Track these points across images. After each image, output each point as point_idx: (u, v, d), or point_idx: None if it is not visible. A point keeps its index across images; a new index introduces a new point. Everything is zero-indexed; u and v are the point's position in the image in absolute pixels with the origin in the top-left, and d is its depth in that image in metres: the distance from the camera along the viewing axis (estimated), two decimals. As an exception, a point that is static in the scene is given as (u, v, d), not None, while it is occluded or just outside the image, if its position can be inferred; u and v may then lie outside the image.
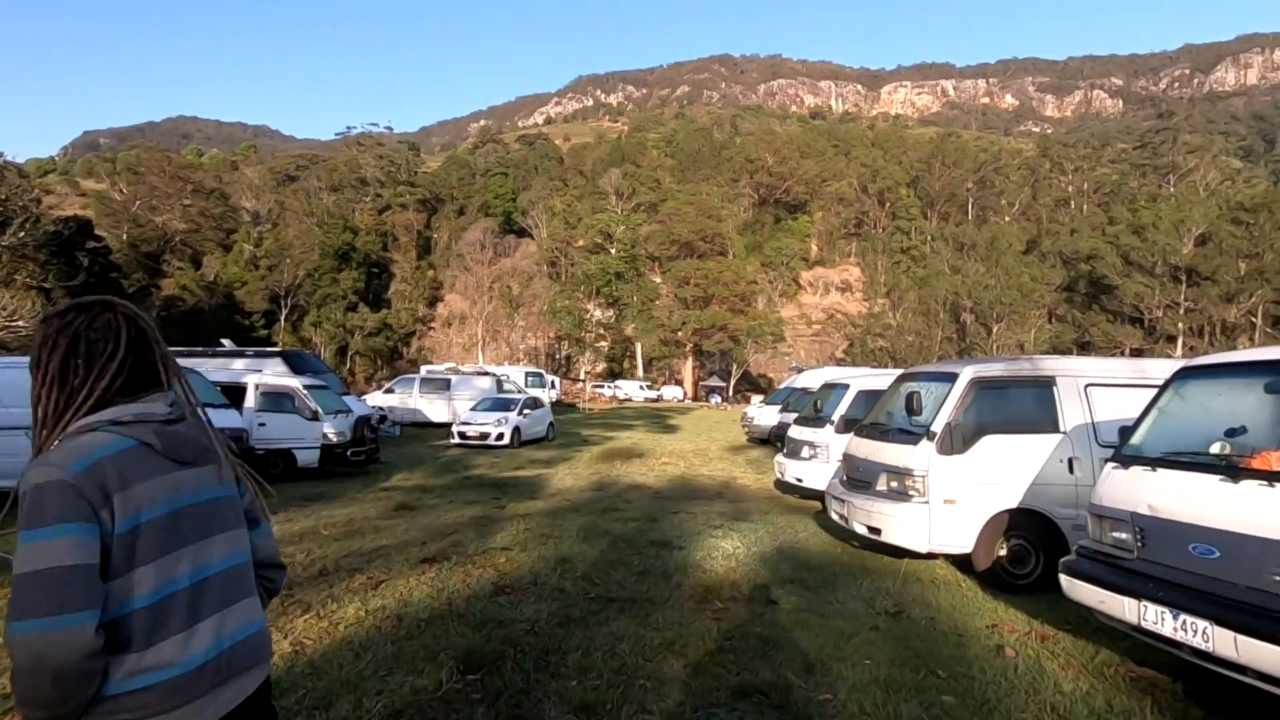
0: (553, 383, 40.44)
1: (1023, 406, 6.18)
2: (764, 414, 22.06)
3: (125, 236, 63.07)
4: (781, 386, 25.71)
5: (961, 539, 5.85)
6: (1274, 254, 57.57)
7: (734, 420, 36.46)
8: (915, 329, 65.58)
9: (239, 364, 18.03)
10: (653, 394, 58.49)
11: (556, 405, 33.83)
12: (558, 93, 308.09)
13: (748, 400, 62.06)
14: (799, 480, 10.29)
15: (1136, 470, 3.99)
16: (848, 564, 6.76)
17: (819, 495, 10.31)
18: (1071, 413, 5.97)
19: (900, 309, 71.25)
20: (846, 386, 10.43)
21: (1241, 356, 3.95)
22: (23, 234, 25.04)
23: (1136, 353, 59.55)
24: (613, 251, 74.82)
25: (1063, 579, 4.18)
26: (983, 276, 65.69)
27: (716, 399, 59.38)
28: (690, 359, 66.80)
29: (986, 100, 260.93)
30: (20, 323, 22.13)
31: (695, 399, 62.10)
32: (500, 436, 18.60)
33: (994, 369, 6.29)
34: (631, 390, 57.76)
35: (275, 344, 59.39)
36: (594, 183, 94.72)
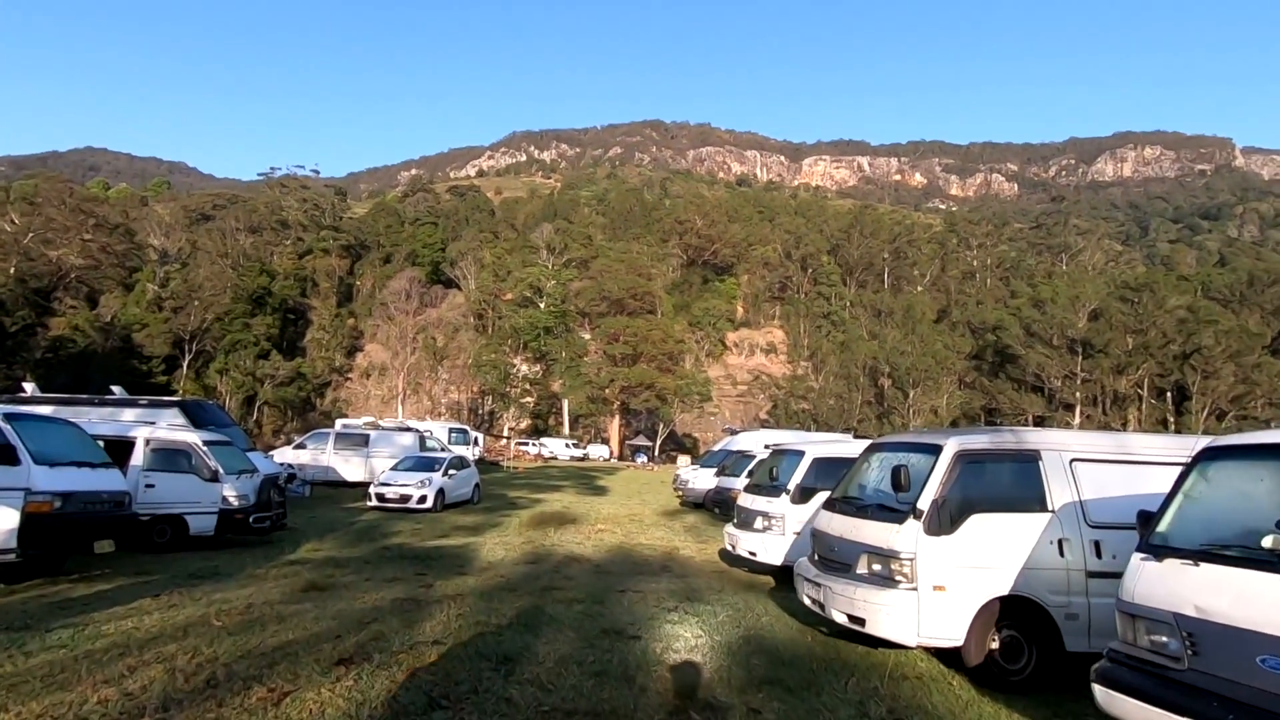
0: (476, 439, 38.84)
1: (1009, 482, 5.84)
2: (698, 477, 21.56)
3: (13, 270, 57.89)
4: (715, 448, 25.32)
5: (953, 630, 5.34)
6: (1157, 330, 62.49)
7: (664, 481, 35.80)
8: (836, 392, 67.28)
9: (129, 414, 16.18)
10: (579, 452, 57.25)
11: (480, 463, 32.33)
12: (491, 146, 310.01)
13: (674, 460, 61.68)
14: (752, 554, 9.68)
15: (1174, 564, 3.59)
16: (823, 657, 6.14)
17: (773, 570, 9.80)
18: (1059, 490, 5.65)
19: (822, 372, 73.12)
20: (801, 454, 10.01)
21: (1274, 437, 3.65)
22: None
23: (1039, 420, 62.88)
24: (542, 306, 74.14)
25: (1098, 691, 3.69)
26: (899, 343, 68.48)
27: (643, 458, 58.61)
28: (617, 417, 66.11)
29: (898, 177, 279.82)
30: None
31: (621, 458, 61.17)
32: (422, 499, 17.28)
33: (979, 441, 5.94)
34: (557, 449, 56.34)
35: (175, 392, 55.22)
36: (525, 236, 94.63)
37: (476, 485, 20.59)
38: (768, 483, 10.15)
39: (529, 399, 72.66)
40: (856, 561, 5.93)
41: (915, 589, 5.41)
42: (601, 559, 11.53)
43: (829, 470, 9.83)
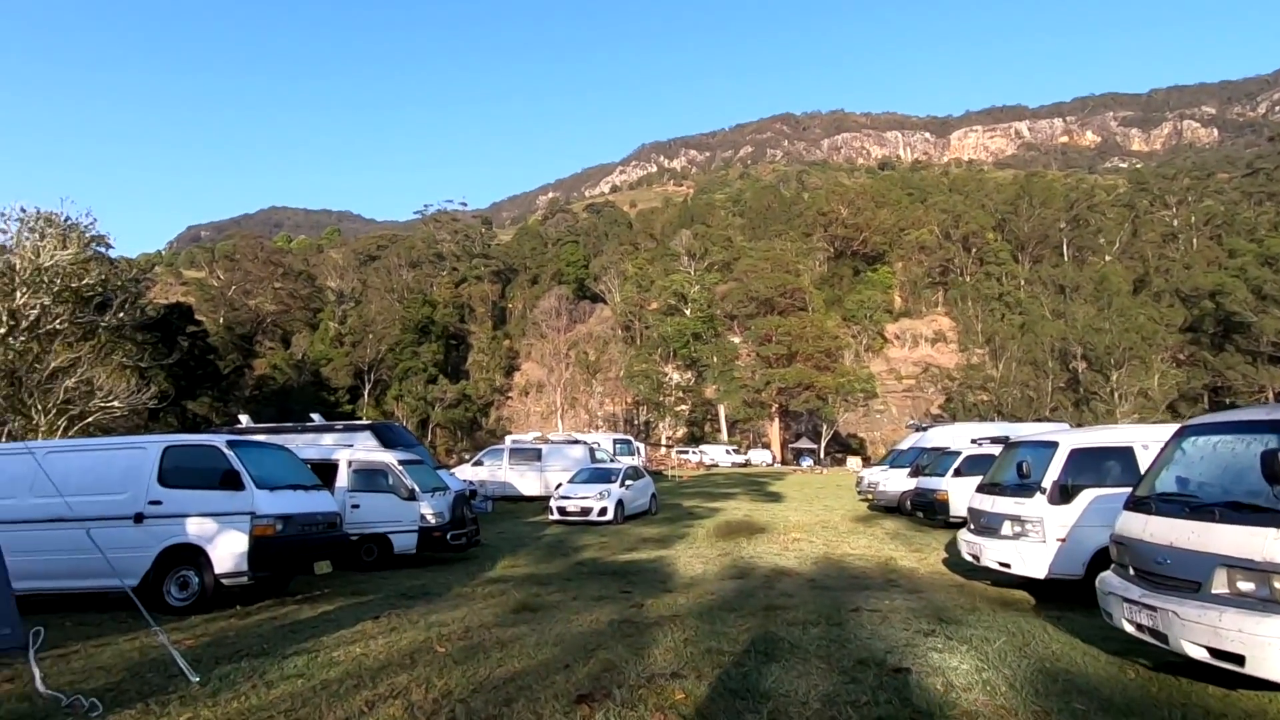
0: (639, 450, 38.80)
1: None
2: (890, 478, 19.77)
3: (222, 320, 66.41)
4: (902, 446, 23.26)
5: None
6: None
7: (839, 485, 33.85)
8: (1021, 379, 60.87)
9: (329, 439, 17.28)
10: (740, 458, 55.92)
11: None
12: (621, 161, 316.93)
13: (841, 462, 58.73)
14: (1004, 565, 8.19)
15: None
16: (1169, 701, 4.72)
17: (1031, 584, 8.25)
18: None
19: (1002, 359, 66.60)
20: (1051, 445, 8.38)
21: None
22: (122, 314, 25.69)
23: (1282, 395, 53.53)
24: (688, 312, 73.74)
25: None
26: (1093, 320, 60.74)
27: (808, 462, 56.25)
28: (776, 420, 64.07)
29: (1065, 139, 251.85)
30: (116, 403, 22.30)
31: (784, 463, 59.12)
32: (603, 511, 17.01)
33: None
34: (717, 455, 55.35)
35: (360, 418, 60.34)
36: (664, 245, 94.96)
37: (653, 495, 20.14)
38: (1013, 480, 8.58)
39: (683, 407, 72.47)
40: (1209, 578, 4.46)
41: (1330, 617, 3.90)
42: (812, 572, 10.44)
43: (1089, 463, 8.22)
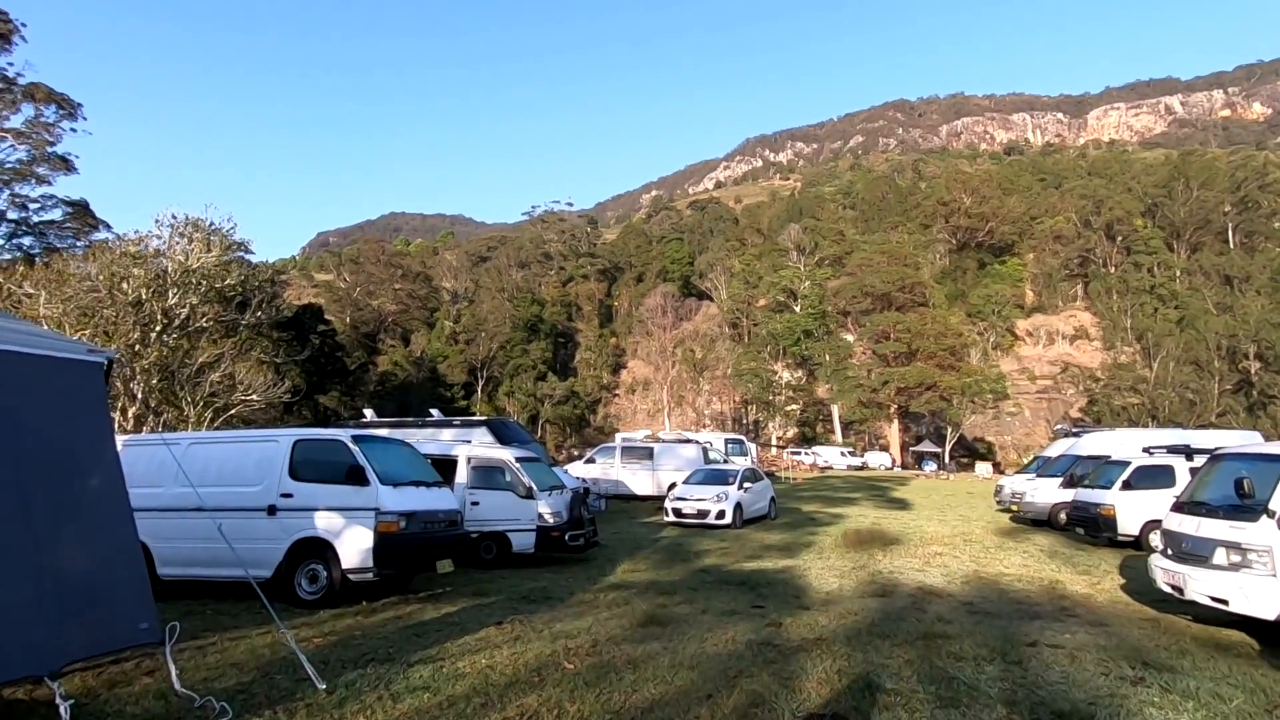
0: (751, 450, 37.71)
1: None
2: (1039, 489, 17.86)
3: (348, 319, 70.74)
4: (1050, 453, 21.11)
5: None
6: None
7: (970, 492, 31.48)
8: (1180, 380, 54.57)
9: (447, 434, 17.54)
10: (856, 461, 53.45)
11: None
12: (725, 157, 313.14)
13: (969, 468, 54.95)
14: (1220, 601, 6.81)
15: None
16: None
17: (1257, 624, 6.83)
18: None
19: (1157, 358, 60.04)
20: (1274, 458, 6.91)
21: None
22: (260, 313, 27.41)
23: None
24: (798, 309, 71.47)
25: None
26: (1270, 314, 53.52)
27: (932, 466, 52.96)
28: (895, 421, 60.84)
29: (1227, 112, 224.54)
30: (254, 396, 23.82)
31: (905, 467, 56.02)
32: (721, 515, 16.30)
33: None
34: (832, 457, 53.17)
35: (474, 414, 62.48)
36: (772, 240, 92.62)
37: (772, 499, 19.21)
38: (1227, 500, 7.16)
39: (794, 406, 70.44)
40: None
41: None
42: (965, 593, 9.31)
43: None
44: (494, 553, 11.55)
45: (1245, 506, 6.84)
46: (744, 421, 74.87)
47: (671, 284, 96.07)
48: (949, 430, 58.72)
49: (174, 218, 23.82)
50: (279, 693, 4.93)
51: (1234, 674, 5.66)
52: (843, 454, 54.08)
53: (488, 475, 12.04)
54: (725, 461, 25.84)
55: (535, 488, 11.78)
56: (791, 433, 70.16)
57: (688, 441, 25.62)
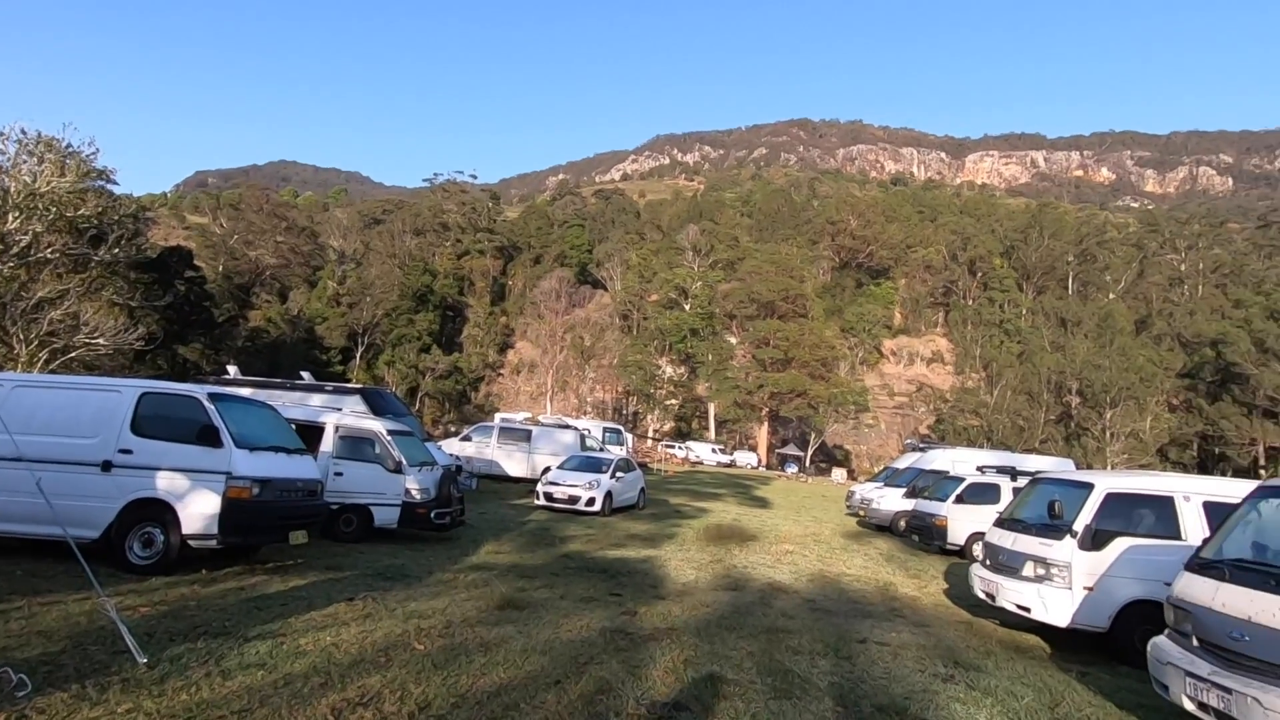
0: (627, 440, 38.25)
1: None
2: (886, 498, 19.30)
3: (221, 268, 65.30)
4: (899, 465, 22.79)
5: None
6: None
7: (824, 495, 33.48)
8: (1014, 408, 60.58)
9: (317, 400, 16.61)
10: (725, 458, 55.47)
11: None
12: (635, 150, 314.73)
13: (826, 472, 58.41)
14: (1023, 609, 7.69)
15: None
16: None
17: (1049, 630, 7.76)
18: None
19: (997, 386, 66.30)
20: (1086, 486, 7.88)
21: None
22: (117, 250, 24.77)
23: (1275, 450, 53.43)
24: (688, 308, 73.15)
25: None
26: (1093, 355, 60.46)
27: (794, 469, 55.88)
28: (765, 424, 63.62)
29: (1080, 173, 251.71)
30: (101, 341, 21.52)
31: (769, 467, 58.75)
32: (591, 501, 16.46)
33: None
34: (703, 453, 54.90)
35: (350, 381, 59.56)
36: (670, 238, 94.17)
37: (642, 490, 19.62)
38: (1040, 519, 8.08)
39: (673, 401, 71.97)
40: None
41: None
42: (809, 591, 9.94)
43: (1124, 510, 7.75)
44: (354, 526, 11.10)
45: (1054, 526, 7.74)
46: (624, 412, 75.79)
47: (569, 269, 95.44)
48: (813, 436, 62.16)
49: (23, 133, 21.01)
50: (91, 665, 4.54)
51: (1028, 674, 6.40)
52: (714, 450, 55.99)
53: (356, 446, 11.55)
54: (602, 450, 26.09)
55: (405, 462, 11.43)
56: (669, 426, 71.77)
57: (566, 427, 25.62)
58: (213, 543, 7.60)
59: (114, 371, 23.03)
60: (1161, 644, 5.10)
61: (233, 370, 19.32)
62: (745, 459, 57.58)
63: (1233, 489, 7.25)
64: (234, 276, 66.10)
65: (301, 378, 19.16)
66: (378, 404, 17.26)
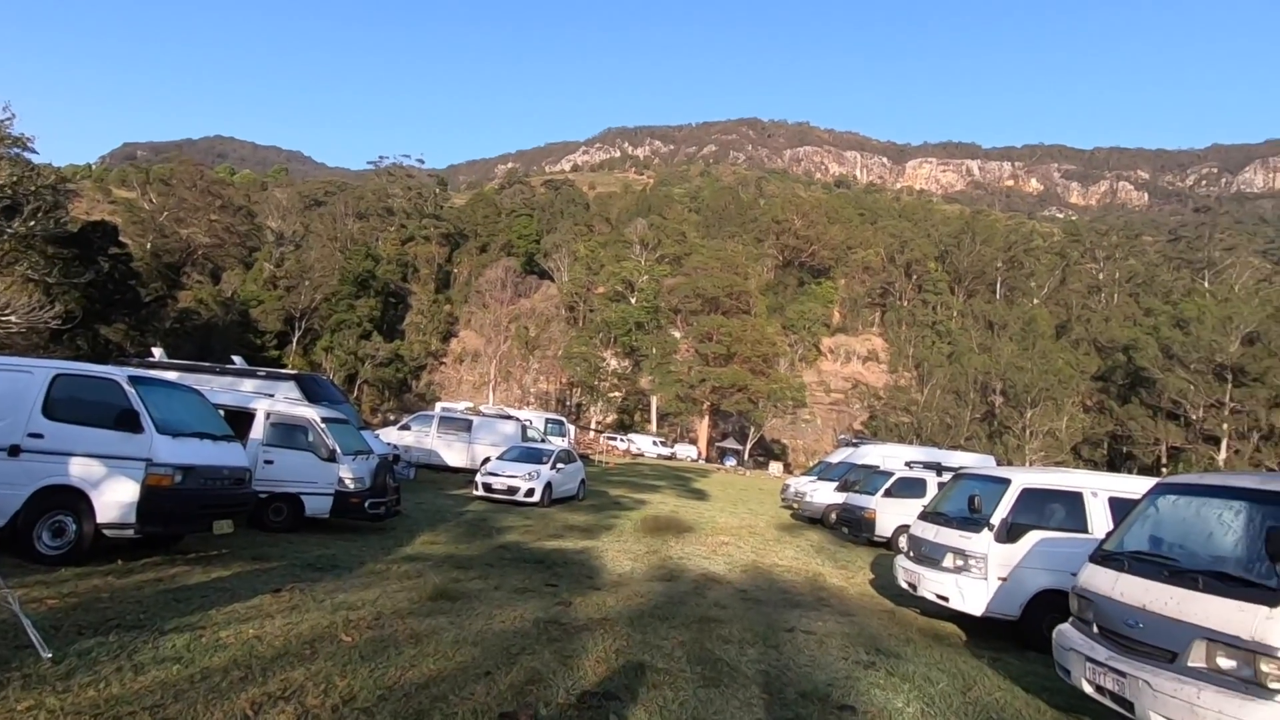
0: (570, 432, 38.20)
1: None
2: (818, 490, 19.83)
3: (149, 245, 61.94)
4: (833, 459, 23.44)
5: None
6: (1326, 360, 55.38)
7: (761, 488, 34.13)
8: (943, 407, 63.05)
9: (248, 385, 16.05)
10: (666, 451, 55.98)
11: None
12: (586, 142, 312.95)
13: (764, 466, 59.56)
14: (942, 598, 8.07)
15: None
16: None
17: (965, 619, 8.16)
18: None
19: (928, 385, 68.85)
20: (1003, 481, 8.30)
21: None
22: (33, 223, 23.23)
23: (1175, 452, 57.02)
24: (634, 301, 73.40)
25: None
26: (1016, 358, 63.40)
27: (732, 462, 56.80)
28: (706, 418, 64.40)
29: (1011, 183, 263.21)
30: (12, 318, 20.16)
31: (709, 460, 59.54)
32: (530, 493, 16.40)
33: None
34: (644, 445, 55.31)
35: (286, 366, 57.60)
36: (619, 231, 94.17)
37: (582, 481, 19.65)
38: (960, 513, 8.48)
39: (616, 394, 72.11)
40: (1187, 649, 4.30)
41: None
42: (742, 581, 10.17)
43: (1037, 504, 8.18)
44: (284, 516, 10.79)
45: (973, 519, 8.13)
46: (567, 403, 75.57)
47: (515, 259, 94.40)
48: (752, 430, 63.29)
49: (-70, 95, 19.39)
50: (-8, 660, 4.32)
51: (944, 661, 6.72)
52: (655, 443, 56.48)
53: (287, 433, 11.20)
54: (543, 441, 25.97)
55: (339, 450, 11.16)
56: (611, 418, 71.91)
57: (508, 417, 25.41)
58: (130, 532, 7.29)
59: (27, 351, 21.68)
60: (1065, 631, 5.44)
61: (158, 353, 18.51)
62: (686, 452, 58.23)
63: (1135, 486, 7.74)
64: (163, 255, 62.83)
65: (233, 362, 18.47)
66: (313, 390, 16.77)
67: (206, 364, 19.31)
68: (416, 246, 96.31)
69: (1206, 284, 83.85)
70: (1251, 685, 3.95)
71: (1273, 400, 54.81)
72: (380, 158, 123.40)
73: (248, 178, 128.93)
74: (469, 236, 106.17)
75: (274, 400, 12.24)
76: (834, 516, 17.77)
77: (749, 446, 63.10)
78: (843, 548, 14.94)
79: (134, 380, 7.89)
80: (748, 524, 17.55)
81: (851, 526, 16.05)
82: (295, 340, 71.49)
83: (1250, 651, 3.99)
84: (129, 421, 7.41)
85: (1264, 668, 3.91)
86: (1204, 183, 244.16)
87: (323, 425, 11.31)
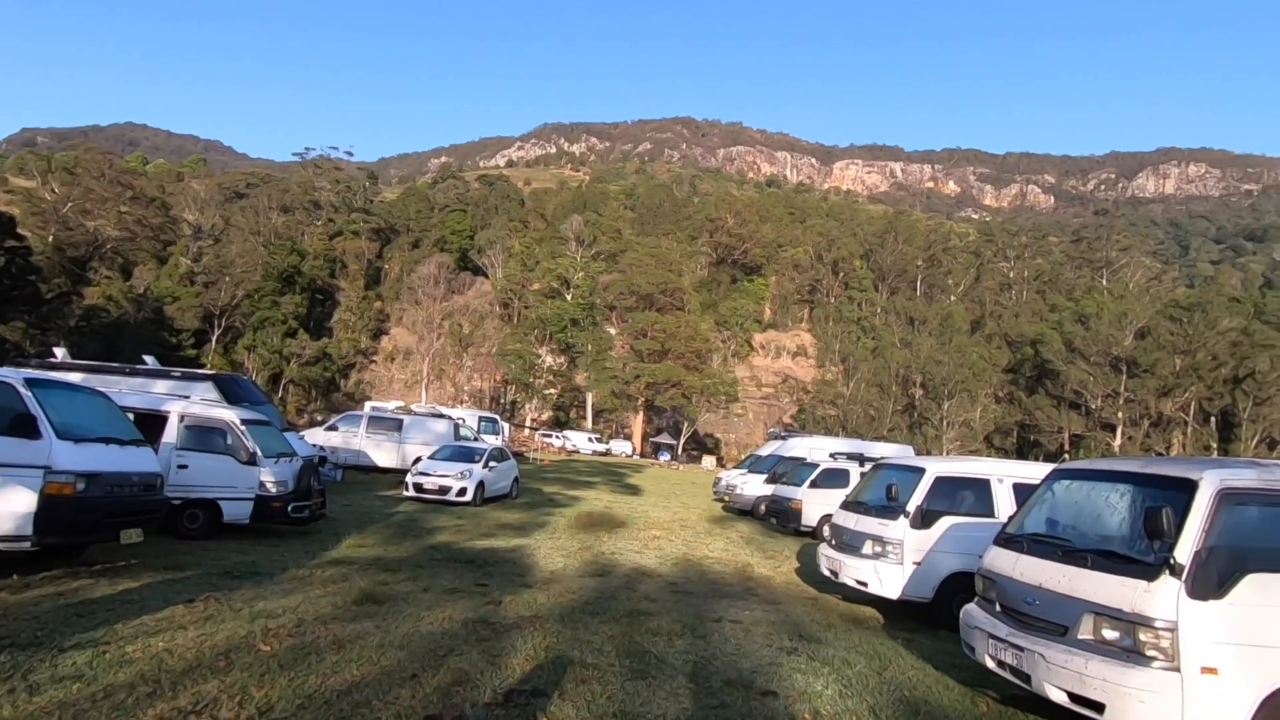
0: (504, 429, 37.81)
1: None
2: (747, 483, 20.27)
3: (51, 238, 57.89)
4: (762, 452, 23.98)
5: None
6: (1207, 352, 60.13)
7: (694, 482, 34.60)
8: (867, 400, 65.49)
9: (161, 386, 15.27)
10: (601, 447, 56.15)
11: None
12: (521, 137, 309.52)
13: (697, 460, 60.39)
14: (861, 584, 8.41)
15: None
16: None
17: (883, 602, 8.54)
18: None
19: (853, 379, 71.35)
20: (918, 470, 8.72)
21: None
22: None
23: (1077, 437, 60.82)
24: (569, 298, 73.14)
25: None
26: (934, 352, 66.48)
27: (666, 456, 57.40)
28: (641, 413, 64.85)
29: (931, 184, 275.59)
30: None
31: (643, 455, 60.00)
32: (462, 492, 16.19)
33: (1245, 478, 4.63)
34: (580, 442, 55.30)
35: (204, 366, 54.90)
36: (554, 227, 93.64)
37: (516, 479, 19.51)
38: (879, 502, 8.85)
39: (552, 390, 71.78)
40: (1077, 623, 4.64)
41: (1177, 670, 4.13)
42: (672, 574, 10.34)
43: (949, 491, 8.62)
44: (200, 522, 10.33)
45: (891, 507, 8.49)
46: (502, 401, 74.74)
47: (449, 255, 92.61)
48: (686, 425, 64.12)
49: None
50: None
51: (862, 644, 7.02)
52: (590, 439, 56.54)
53: (203, 436, 10.71)
54: (477, 439, 25.64)
55: (260, 453, 10.75)
56: (546, 415, 71.54)
57: (440, 416, 24.96)
58: (26, 545, 6.85)
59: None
60: (971, 610, 5.78)
61: (60, 353, 17.44)
62: (620, 448, 58.51)
63: (1037, 471, 8.24)
64: (67, 249, 58.84)
65: (144, 362, 17.51)
66: (232, 391, 16.11)
67: (115, 365, 18.30)
68: (345, 241, 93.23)
69: (1105, 282, 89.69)
70: (1132, 654, 4.31)
71: (1161, 389, 59.21)
72: (306, 149, 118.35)
73: (162, 167, 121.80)
74: (400, 232, 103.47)
75: (189, 402, 11.69)
76: (763, 508, 18.21)
77: (683, 441, 63.87)
78: (771, 538, 15.33)
79: (31, 383, 7.42)
80: (680, 518, 17.79)
81: (779, 517, 16.49)
82: (215, 339, 68.17)
83: (1130, 623, 4.35)
84: (25, 427, 6.96)
85: (1142, 637, 4.27)
86: (1103, 187, 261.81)
87: (242, 427, 10.87)
